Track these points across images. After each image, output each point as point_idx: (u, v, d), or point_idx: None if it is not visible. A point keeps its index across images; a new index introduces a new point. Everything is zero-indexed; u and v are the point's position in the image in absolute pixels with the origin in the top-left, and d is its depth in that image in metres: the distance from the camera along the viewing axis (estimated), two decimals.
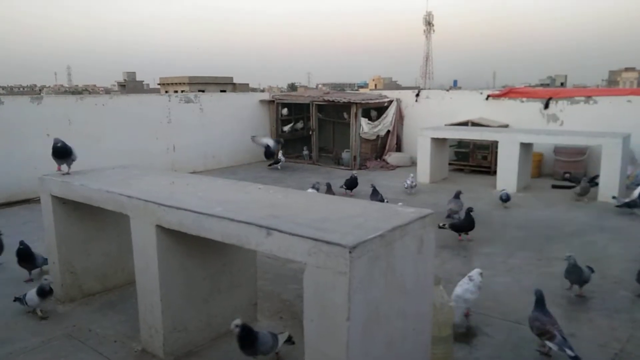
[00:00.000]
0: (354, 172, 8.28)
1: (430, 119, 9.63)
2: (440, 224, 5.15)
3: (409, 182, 7.29)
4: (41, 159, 7.23)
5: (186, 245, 2.94)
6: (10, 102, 7.40)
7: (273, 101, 11.16)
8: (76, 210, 3.68)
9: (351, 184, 7.30)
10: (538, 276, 4.17)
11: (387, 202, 5.70)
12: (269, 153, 9.82)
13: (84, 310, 3.62)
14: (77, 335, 3.25)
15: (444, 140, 8.46)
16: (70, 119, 7.84)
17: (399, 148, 10.78)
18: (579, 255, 4.65)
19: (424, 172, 8.21)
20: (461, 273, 4.24)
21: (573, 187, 7.71)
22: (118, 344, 3.14)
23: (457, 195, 5.93)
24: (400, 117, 10.79)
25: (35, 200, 5.17)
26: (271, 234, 2.25)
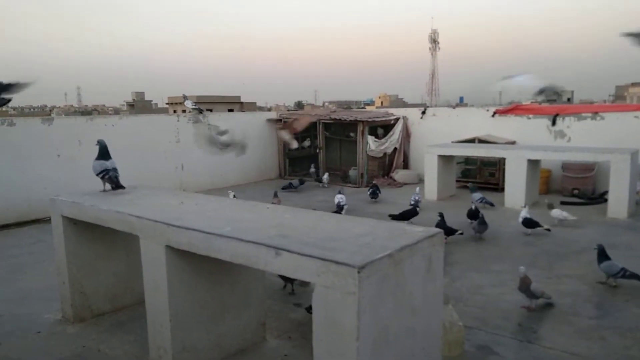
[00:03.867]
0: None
1: (437, 136, 9.66)
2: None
3: (416, 197, 7.14)
4: (52, 179, 7.37)
5: (195, 265, 2.95)
6: (22, 124, 7.52)
7: (280, 120, 11.23)
8: (86, 231, 3.71)
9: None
10: (548, 294, 4.13)
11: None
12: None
13: (94, 330, 3.63)
14: (86, 356, 3.25)
15: (451, 157, 8.47)
16: (81, 139, 7.93)
17: (406, 165, 10.79)
18: (589, 272, 4.63)
19: (431, 189, 8.20)
20: (470, 291, 4.23)
21: (582, 203, 7.68)
22: None
23: (482, 221, 5.81)
24: (407, 134, 10.82)
25: (46, 220, 5.23)
26: (280, 254, 2.26)
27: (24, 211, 7.15)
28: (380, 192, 8.20)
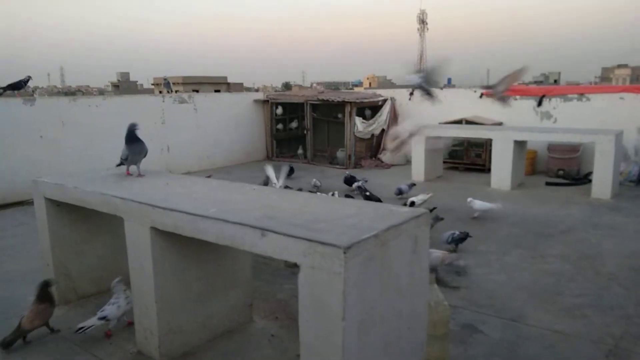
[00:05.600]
0: (348, 171, 8.35)
1: (424, 118, 9.64)
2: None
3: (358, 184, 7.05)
4: (35, 161, 7.25)
5: (181, 247, 2.93)
6: (2, 104, 7.36)
7: (267, 101, 11.14)
8: (70, 213, 3.66)
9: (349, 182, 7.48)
10: (532, 273, 4.20)
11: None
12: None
13: (79, 312, 3.61)
14: (71, 338, 3.24)
15: (438, 138, 8.47)
16: (64, 120, 7.81)
17: None
18: (573, 251, 4.70)
19: (418, 170, 8.22)
20: (456, 270, 4.27)
21: (567, 184, 7.77)
22: (113, 346, 3.13)
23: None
24: (394, 115, 10.79)
25: (29, 202, 5.15)
26: (266, 235, 2.25)
27: (7, 193, 7.04)
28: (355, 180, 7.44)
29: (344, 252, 1.97)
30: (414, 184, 7.21)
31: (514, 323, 3.34)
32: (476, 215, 5.87)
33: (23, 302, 3.76)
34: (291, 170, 8.66)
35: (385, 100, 10.63)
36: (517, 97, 9.31)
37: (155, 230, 2.80)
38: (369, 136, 10.27)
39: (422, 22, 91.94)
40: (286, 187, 6.70)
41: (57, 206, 3.63)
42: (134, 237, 2.94)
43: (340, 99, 10.00)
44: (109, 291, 3.48)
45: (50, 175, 3.81)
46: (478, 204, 5.87)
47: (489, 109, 9.44)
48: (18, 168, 7.07)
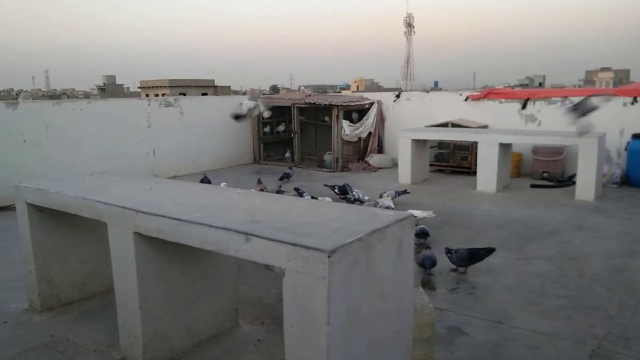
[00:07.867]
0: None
1: (411, 121, 9.68)
2: None
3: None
4: (17, 166, 7.16)
5: (165, 252, 2.91)
6: None
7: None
8: (53, 218, 3.62)
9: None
10: (517, 275, 4.23)
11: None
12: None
13: (62, 319, 3.56)
14: (54, 346, 3.19)
15: (424, 141, 8.52)
16: (48, 124, 7.70)
17: (380, 150, 10.83)
18: (557, 253, 4.74)
19: (405, 173, 8.25)
20: (441, 272, 4.29)
21: (552, 186, 7.85)
22: (97, 353, 3.09)
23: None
24: (381, 118, 10.84)
25: (11, 208, 5.09)
26: (250, 239, 2.24)
27: None
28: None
29: (329, 256, 1.97)
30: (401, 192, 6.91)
31: (498, 325, 3.36)
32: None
33: (6, 309, 3.72)
34: (286, 176, 8.66)
35: (372, 104, 10.66)
36: (502, 100, 9.40)
37: (138, 235, 2.78)
38: (356, 139, 10.29)
39: (409, 25, 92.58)
40: (278, 191, 6.69)
41: (40, 212, 3.58)
42: (117, 242, 2.91)
43: (327, 102, 10.02)
44: (93, 297, 3.46)
45: (33, 180, 3.76)
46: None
47: (474, 112, 9.52)
48: (0, 173, 6.96)
